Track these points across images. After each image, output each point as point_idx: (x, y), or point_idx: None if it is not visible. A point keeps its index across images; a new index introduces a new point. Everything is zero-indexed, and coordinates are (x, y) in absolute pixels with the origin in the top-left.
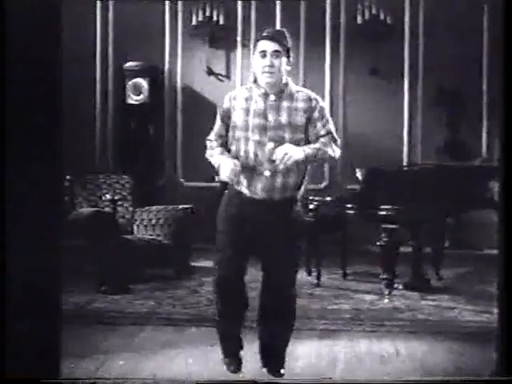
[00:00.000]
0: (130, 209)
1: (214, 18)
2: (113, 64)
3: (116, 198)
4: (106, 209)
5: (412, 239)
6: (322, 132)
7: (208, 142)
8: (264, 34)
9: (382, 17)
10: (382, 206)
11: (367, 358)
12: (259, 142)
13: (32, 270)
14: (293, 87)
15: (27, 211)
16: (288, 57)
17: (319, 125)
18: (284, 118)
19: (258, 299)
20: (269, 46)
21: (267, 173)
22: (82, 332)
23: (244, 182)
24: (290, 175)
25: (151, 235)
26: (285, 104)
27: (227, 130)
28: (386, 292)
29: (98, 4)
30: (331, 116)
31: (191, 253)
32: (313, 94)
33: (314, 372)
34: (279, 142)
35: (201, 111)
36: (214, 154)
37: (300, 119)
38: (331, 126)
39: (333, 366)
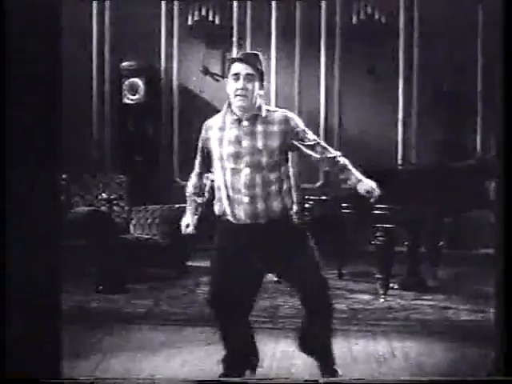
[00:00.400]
0: (127, 208)
1: (210, 18)
2: (109, 64)
3: (112, 197)
4: (103, 208)
5: (408, 239)
6: (314, 137)
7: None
8: (237, 57)
9: (377, 17)
10: (378, 206)
11: (363, 358)
12: (234, 169)
13: (32, 270)
14: (266, 109)
15: (27, 211)
16: (261, 80)
17: (309, 137)
18: (260, 143)
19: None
20: (242, 68)
21: (246, 199)
22: (79, 332)
23: (228, 210)
24: (271, 199)
25: (147, 234)
26: (259, 128)
27: (205, 158)
28: (382, 292)
29: (95, 4)
30: (326, 116)
31: (187, 252)
32: (289, 114)
33: (310, 371)
34: (255, 167)
35: (197, 111)
36: (187, 198)
37: (276, 142)
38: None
39: None
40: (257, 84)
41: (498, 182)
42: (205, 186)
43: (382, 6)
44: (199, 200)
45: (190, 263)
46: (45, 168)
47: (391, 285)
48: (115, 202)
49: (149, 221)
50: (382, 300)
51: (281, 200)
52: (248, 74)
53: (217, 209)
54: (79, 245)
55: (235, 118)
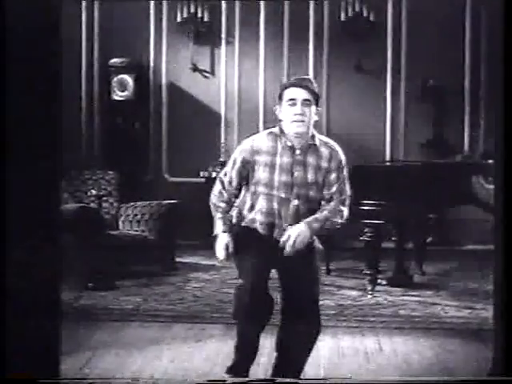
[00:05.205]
0: (115, 204)
1: (199, 15)
2: (98, 60)
3: (101, 193)
4: (92, 204)
5: (395, 235)
6: (336, 194)
7: (217, 187)
8: (292, 82)
9: (365, 14)
10: (366, 202)
11: (351, 354)
12: (284, 199)
13: (31, 269)
14: (318, 140)
15: (25, 209)
16: (317, 105)
17: (335, 188)
18: (310, 177)
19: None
20: (299, 93)
21: (289, 227)
22: (68, 328)
23: (261, 229)
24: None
25: (136, 231)
26: (310, 160)
27: (240, 183)
28: (370, 288)
29: (83, 1)
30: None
31: (175, 249)
32: (335, 151)
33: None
34: (304, 199)
35: (185, 107)
36: (215, 215)
37: (322, 178)
38: (346, 187)
39: (316, 362)
40: (313, 109)
41: (498, 181)
42: (234, 201)
43: (370, 3)
44: (230, 216)
45: (177, 259)
46: (44, 166)
47: (379, 281)
48: (104, 198)
49: (137, 217)
50: (369, 296)
51: None
52: (305, 100)
53: (247, 224)
54: (68, 241)
55: (289, 145)
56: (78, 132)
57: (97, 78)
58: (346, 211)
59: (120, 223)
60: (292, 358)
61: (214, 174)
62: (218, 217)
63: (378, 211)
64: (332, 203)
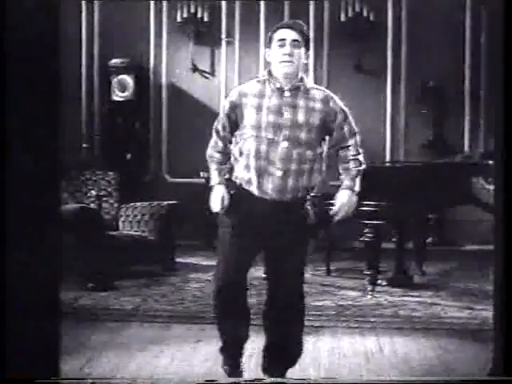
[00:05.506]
0: (115, 205)
1: (199, 15)
2: (98, 61)
3: (101, 194)
4: (92, 205)
5: (395, 235)
6: (350, 142)
7: (213, 138)
8: (283, 23)
9: (365, 14)
10: (366, 202)
11: (351, 354)
12: (272, 140)
13: (31, 268)
14: (308, 83)
15: (25, 209)
16: (307, 48)
17: (346, 130)
18: (301, 117)
19: (266, 303)
20: (288, 34)
21: (279, 173)
22: (67, 329)
23: (254, 181)
24: (303, 176)
25: (136, 231)
26: (300, 102)
27: (232, 128)
28: (370, 288)
29: (83, 1)
30: None
31: (175, 249)
32: (330, 94)
33: (298, 369)
34: (294, 141)
35: (185, 108)
36: (211, 167)
37: (316, 120)
38: (356, 130)
39: (316, 363)
40: (302, 51)
41: (498, 181)
42: (230, 152)
43: (370, 3)
44: (226, 169)
45: (177, 260)
46: (45, 166)
47: (379, 281)
48: (104, 198)
49: (137, 217)
50: (369, 296)
51: (308, 180)
52: (294, 40)
53: (240, 177)
54: (68, 241)
55: (277, 86)
56: (79, 132)
57: (97, 78)
58: (362, 156)
59: (120, 224)
60: (282, 342)
61: None
62: (213, 168)
63: (378, 211)
64: (350, 153)
